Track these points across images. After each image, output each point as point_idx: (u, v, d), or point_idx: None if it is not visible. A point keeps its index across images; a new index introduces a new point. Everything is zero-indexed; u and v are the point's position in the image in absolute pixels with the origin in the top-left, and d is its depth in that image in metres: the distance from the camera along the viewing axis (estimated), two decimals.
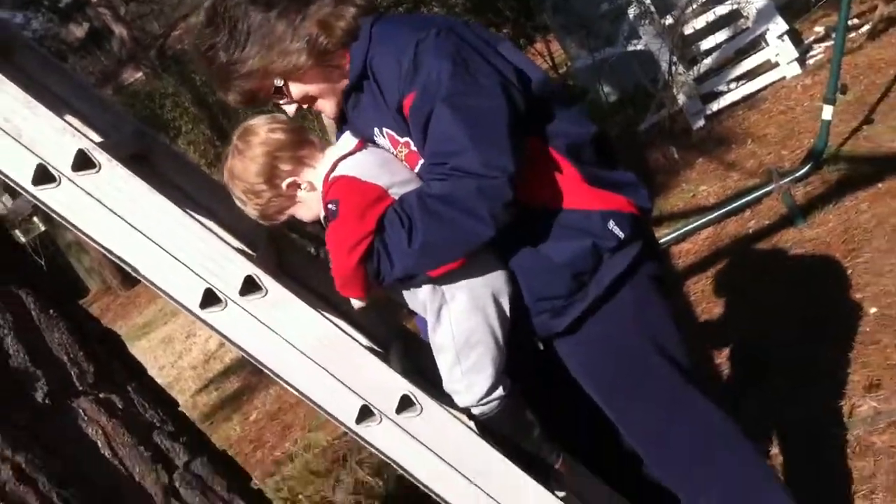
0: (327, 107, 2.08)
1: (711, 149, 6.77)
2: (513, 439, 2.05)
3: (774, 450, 3.09)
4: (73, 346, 2.15)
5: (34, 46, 2.26)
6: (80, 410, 2.11)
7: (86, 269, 18.24)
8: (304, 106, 2.09)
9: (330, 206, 1.94)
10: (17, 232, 16.16)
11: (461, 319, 1.97)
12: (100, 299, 17.10)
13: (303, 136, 2.05)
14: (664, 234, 5.47)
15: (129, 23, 14.66)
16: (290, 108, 2.08)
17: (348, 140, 2.04)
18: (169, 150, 2.36)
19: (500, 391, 2.02)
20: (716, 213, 5.42)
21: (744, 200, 5.37)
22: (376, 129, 2.02)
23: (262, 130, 2.03)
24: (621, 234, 1.98)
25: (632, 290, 2.03)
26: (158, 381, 2.49)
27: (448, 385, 2.04)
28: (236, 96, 2.03)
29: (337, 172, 1.98)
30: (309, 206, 2.06)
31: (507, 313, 2.00)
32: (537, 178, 1.94)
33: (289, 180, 2.02)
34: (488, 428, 2.03)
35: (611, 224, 1.97)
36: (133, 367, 2.38)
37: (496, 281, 1.98)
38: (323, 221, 2.05)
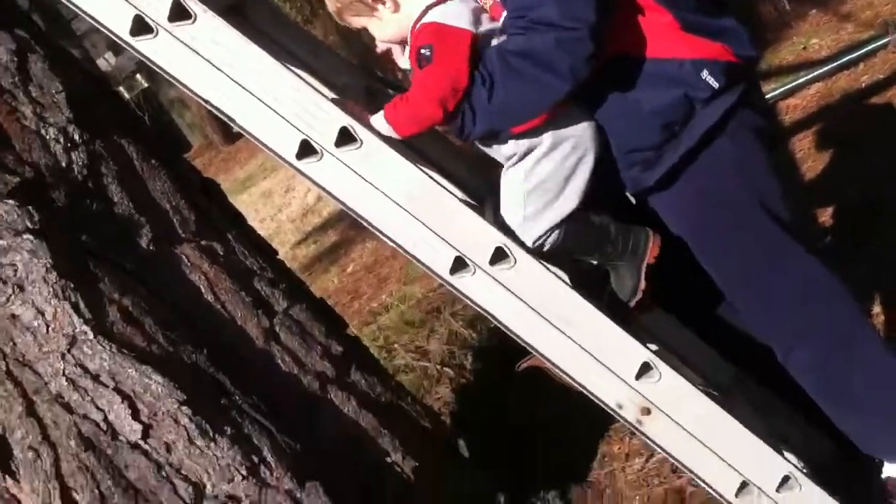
0: None
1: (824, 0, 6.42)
2: (591, 250, 2.05)
3: (877, 309, 3.02)
4: (175, 195, 2.21)
5: None
6: (184, 257, 2.18)
7: (188, 125, 18.61)
8: None
9: (423, 50, 1.91)
10: (122, 88, 16.51)
11: (538, 164, 1.95)
12: (202, 154, 17.48)
13: None
14: (771, 89, 5.27)
15: None
16: None
17: None
18: (265, 2, 2.34)
19: (555, 234, 1.99)
20: (827, 67, 5.19)
21: (857, 53, 5.11)
22: None
23: None
24: (715, 84, 1.92)
25: (730, 141, 1.98)
26: (263, 231, 2.56)
27: (506, 217, 2.01)
28: None
29: (427, 19, 1.94)
30: (384, 26, 2.03)
31: (587, 173, 1.97)
32: (628, 24, 1.89)
33: None
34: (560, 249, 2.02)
35: (704, 73, 1.91)
36: (233, 216, 2.45)
37: (581, 136, 1.95)
38: (398, 54, 2.06)
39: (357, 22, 2.06)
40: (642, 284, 2.05)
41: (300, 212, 9.42)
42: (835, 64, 5.17)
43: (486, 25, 1.93)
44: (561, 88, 1.82)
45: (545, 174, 1.96)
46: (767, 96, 5.18)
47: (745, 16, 6.65)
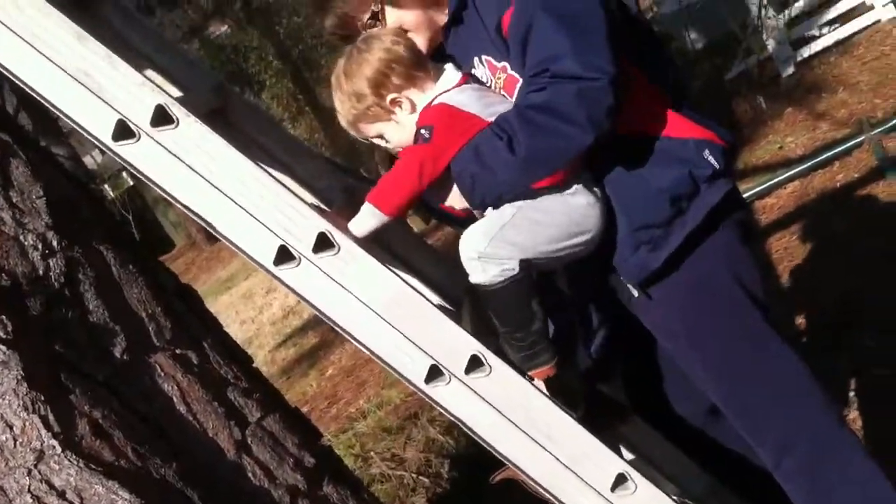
0: (419, 41, 2.08)
1: (800, 98, 6.59)
2: (505, 321, 1.99)
3: (854, 412, 3.01)
4: (152, 302, 2.20)
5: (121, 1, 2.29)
6: (157, 366, 2.16)
7: (172, 224, 18.67)
8: None
9: (422, 131, 1.95)
10: (107, 186, 16.59)
11: (528, 217, 1.95)
12: (185, 254, 17.51)
13: (422, 59, 2.06)
14: (749, 188, 5.36)
15: None
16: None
17: (452, 73, 2.05)
18: (248, 105, 2.38)
19: (509, 273, 1.95)
20: (802, 166, 5.30)
21: (832, 152, 5.24)
22: (475, 59, 2.06)
23: (387, 39, 2.04)
24: (716, 164, 1.99)
25: (724, 231, 2.04)
26: (239, 335, 2.55)
27: (464, 247, 1.97)
28: (333, 20, 2.08)
29: (437, 101, 2.00)
30: (401, 129, 2.06)
31: (570, 251, 1.99)
32: (633, 104, 1.92)
33: (394, 95, 2.02)
34: (484, 300, 1.99)
35: (706, 153, 1.98)
36: (209, 323, 2.43)
37: (587, 212, 1.98)
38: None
39: (372, 130, 2.08)
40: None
41: (281, 313, 9.39)
42: (810, 163, 5.29)
43: (496, 107, 1.96)
44: (584, 139, 1.84)
45: (530, 226, 1.95)
46: (745, 195, 5.26)
47: (722, 114, 6.84)
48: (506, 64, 1.98)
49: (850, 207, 4.69)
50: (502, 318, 1.99)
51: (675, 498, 2.05)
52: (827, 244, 4.39)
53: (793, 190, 5.23)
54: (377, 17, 2.06)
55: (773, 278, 4.29)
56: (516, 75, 1.95)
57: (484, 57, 2.03)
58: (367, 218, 1.94)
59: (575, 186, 1.96)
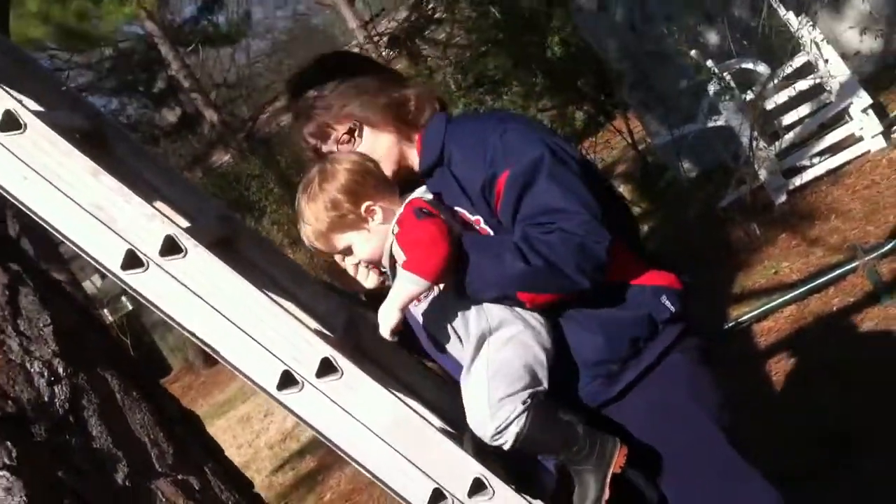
0: (385, 165, 2.21)
1: (794, 225, 6.69)
2: (557, 449, 2.03)
3: None
4: (154, 428, 2.21)
5: (126, 134, 2.39)
6: (159, 492, 2.15)
7: (170, 348, 18.64)
8: None
9: (423, 209, 2.06)
10: (106, 311, 16.62)
11: (502, 348, 2.02)
12: (182, 378, 17.41)
13: (388, 179, 2.18)
14: (745, 312, 5.41)
15: (219, 108, 15.23)
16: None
17: (420, 191, 2.17)
18: (252, 234, 2.45)
19: (520, 423, 1.99)
20: (798, 291, 5.36)
21: (827, 277, 5.30)
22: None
23: (356, 156, 2.17)
24: (672, 308, 2.10)
25: (682, 356, 2.12)
26: (236, 459, 2.55)
27: (473, 418, 2.03)
28: (311, 128, 2.23)
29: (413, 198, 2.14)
30: (371, 240, 2.13)
31: (546, 362, 2.04)
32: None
33: (368, 203, 2.10)
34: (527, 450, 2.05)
35: (663, 298, 2.10)
36: (211, 448, 2.44)
37: (548, 334, 2.06)
38: (383, 263, 2.14)
39: (342, 241, 2.14)
40: (606, 495, 2.02)
41: (278, 437, 9.29)
42: (806, 288, 5.35)
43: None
44: (578, 284, 1.98)
45: (508, 356, 2.01)
46: (742, 319, 5.31)
47: (717, 240, 6.94)
48: (479, 217, 2.11)
49: (846, 331, 4.74)
50: (554, 448, 2.03)
51: None
52: (823, 368, 4.41)
53: (790, 314, 5.29)
54: (353, 134, 2.21)
55: (772, 400, 4.31)
56: (488, 229, 2.10)
57: (457, 209, 2.13)
58: (408, 286, 2.00)
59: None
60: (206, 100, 13.74)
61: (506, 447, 2.01)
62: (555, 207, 1.97)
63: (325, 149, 2.23)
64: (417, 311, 2.17)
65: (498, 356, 2.01)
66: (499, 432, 1.99)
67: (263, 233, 11.98)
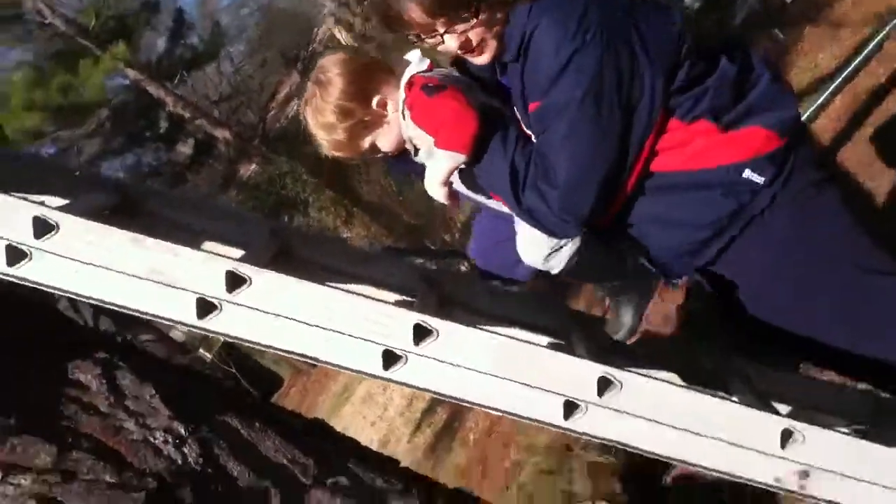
0: (490, 49, 2.01)
1: (814, 16, 6.50)
2: (607, 277, 2.13)
3: None
4: (288, 447, 2.27)
5: (150, 188, 2.41)
6: (317, 502, 2.22)
7: (274, 361, 18.98)
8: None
9: (432, 85, 2.00)
10: (202, 351, 16.97)
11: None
12: (296, 383, 17.73)
13: (382, 63, 2.13)
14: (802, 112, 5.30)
15: (226, 123, 15.26)
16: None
17: (421, 60, 2.09)
18: (305, 236, 2.46)
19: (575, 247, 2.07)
20: (842, 76, 5.22)
21: (865, 53, 5.17)
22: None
23: (343, 55, 2.11)
24: (760, 180, 1.98)
25: (789, 209, 2.01)
26: (374, 436, 2.62)
27: (526, 241, 2.10)
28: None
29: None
30: (393, 130, 2.12)
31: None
32: (668, 143, 1.97)
33: (377, 97, 2.09)
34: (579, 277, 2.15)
35: (746, 173, 1.98)
36: (346, 444, 2.50)
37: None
38: (408, 147, 2.12)
39: (366, 142, 2.14)
40: (642, 327, 2.09)
41: (404, 403, 9.47)
42: (848, 70, 5.20)
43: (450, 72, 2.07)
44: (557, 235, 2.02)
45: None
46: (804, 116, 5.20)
47: None
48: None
49: None
50: (604, 277, 2.10)
51: (845, 430, 2.04)
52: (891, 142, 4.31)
53: (842, 102, 5.16)
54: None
55: (857, 193, 4.22)
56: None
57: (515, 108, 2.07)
58: (445, 163, 2.00)
59: None
60: (212, 120, 13.78)
61: (554, 271, 2.07)
62: (550, 166, 1.92)
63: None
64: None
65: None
66: (552, 253, 2.05)
67: (314, 222, 12.06)
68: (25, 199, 1.92)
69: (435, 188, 2.05)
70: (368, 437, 9.27)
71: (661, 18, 1.95)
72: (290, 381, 18.44)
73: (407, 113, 2.05)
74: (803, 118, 5.14)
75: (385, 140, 2.14)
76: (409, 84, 2.06)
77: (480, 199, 2.20)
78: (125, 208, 2.24)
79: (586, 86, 1.87)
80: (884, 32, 4.99)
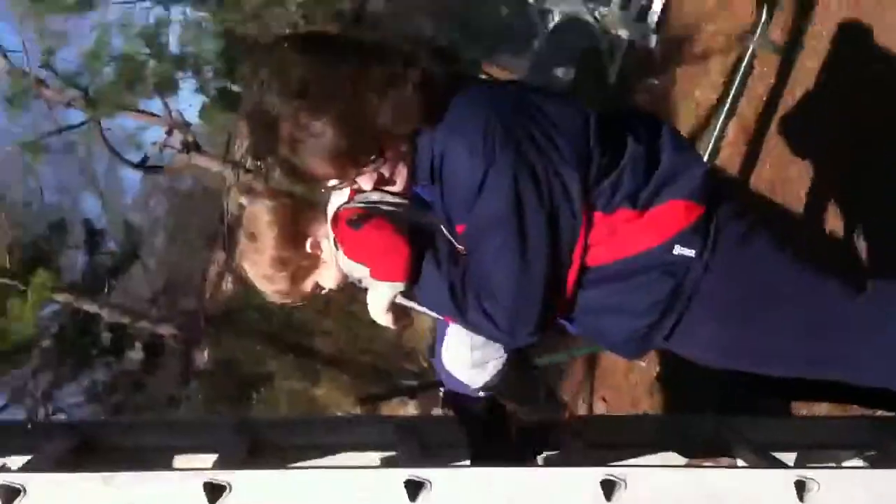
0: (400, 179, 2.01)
1: (679, 56, 6.68)
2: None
3: None
4: None
5: (114, 421, 2.42)
6: None
7: None
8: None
9: (356, 217, 1.98)
10: None
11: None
12: None
13: (306, 202, 2.12)
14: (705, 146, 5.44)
15: (167, 318, 15.13)
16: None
17: (340, 194, 2.06)
18: (271, 423, 2.44)
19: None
20: (726, 107, 5.42)
21: (738, 79, 5.36)
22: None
23: (267, 206, 2.09)
24: (690, 253, 1.95)
25: (724, 271, 1.98)
26: None
27: (453, 366, 2.14)
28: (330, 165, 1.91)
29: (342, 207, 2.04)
30: (332, 267, 2.10)
31: None
32: (601, 241, 1.96)
33: (310, 240, 2.07)
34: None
35: (676, 249, 1.95)
36: None
37: None
38: (352, 279, 2.11)
39: (308, 285, 2.12)
40: None
41: None
42: (729, 101, 5.41)
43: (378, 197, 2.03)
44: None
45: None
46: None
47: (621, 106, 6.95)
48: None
49: (794, 102, 4.76)
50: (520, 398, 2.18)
51: (858, 462, 2.03)
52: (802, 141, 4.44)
53: (735, 133, 5.33)
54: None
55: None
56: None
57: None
58: (386, 291, 1.99)
59: None
60: (151, 320, 13.70)
61: (475, 385, 2.13)
62: (489, 285, 1.91)
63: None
64: None
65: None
66: (473, 380, 2.13)
67: (283, 392, 11.92)
68: None
69: (380, 316, 2.04)
70: None
71: (565, 113, 1.95)
72: None
73: (339, 249, 2.05)
74: (706, 157, 5.32)
75: (327, 278, 2.13)
76: (335, 220, 2.05)
77: (427, 310, 2.18)
78: (86, 447, 2.18)
79: (505, 202, 1.86)
80: (749, 53, 5.21)
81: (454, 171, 1.90)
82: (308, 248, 2.08)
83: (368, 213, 1.99)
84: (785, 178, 4.50)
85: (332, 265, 2.10)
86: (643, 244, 1.96)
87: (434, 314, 2.15)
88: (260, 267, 2.09)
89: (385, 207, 2.02)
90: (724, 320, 2.01)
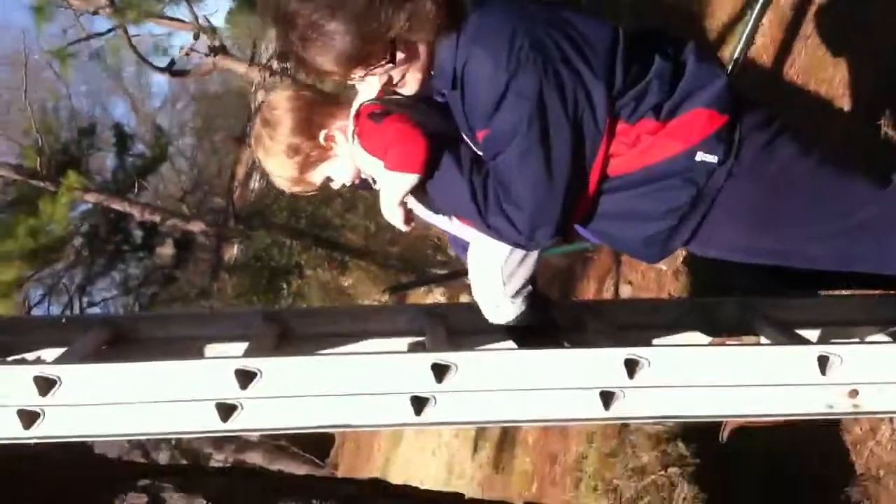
0: (413, 84, 2.02)
1: None
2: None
3: None
4: None
5: (146, 314, 2.41)
6: None
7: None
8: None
9: (377, 111, 1.99)
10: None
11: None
12: (346, 437, 17.64)
13: (328, 96, 2.15)
14: (734, 47, 5.28)
15: (197, 215, 15.26)
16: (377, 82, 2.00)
17: (366, 87, 2.05)
18: (299, 311, 2.46)
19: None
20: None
21: None
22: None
23: (289, 90, 2.12)
24: (713, 159, 1.97)
25: (748, 179, 2.00)
26: (436, 465, 2.59)
27: (487, 294, 2.15)
28: (345, 59, 1.90)
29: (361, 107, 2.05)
30: (345, 161, 2.13)
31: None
32: (616, 149, 1.98)
33: (324, 132, 2.10)
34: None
35: (699, 156, 1.97)
36: (407, 493, 2.48)
37: None
38: (366, 177, 2.13)
39: (318, 175, 2.15)
40: None
41: (452, 430, 9.42)
42: None
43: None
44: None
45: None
46: (736, 55, 5.20)
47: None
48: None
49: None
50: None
51: (884, 337, 2.03)
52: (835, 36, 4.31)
53: (769, 20, 5.16)
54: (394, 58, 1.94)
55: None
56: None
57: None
58: (398, 184, 1.99)
59: None
60: (182, 217, 13.80)
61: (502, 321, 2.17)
62: (511, 190, 1.93)
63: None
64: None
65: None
66: (504, 314, 2.16)
67: (313, 282, 12.04)
68: (23, 360, 1.92)
69: (390, 211, 2.05)
70: (433, 478, 9.23)
71: (592, 27, 1.95)
72: (340, 437, 18.36)
73: (357, 143, 2.06)
74: (739, 46, 5.18)
75: (339, 173, 2.15)
76: (357, 114, 2.06)
77: (440, 223, 2.19)
78: (119, 340, 2.23)
79: (529, 109, 1.87)
80: None
81: (477, 80, 1.91)
82: (321, 140, 2.09)
83: (390, 110, 1.99)
84: (819, 67, 4.39)
85: (345, 159, 2.11)
86: (666, 152, 1.98)
87: (443, 226, 2.16)
88: (273, 153, 2.11)
89: (410, 108, 2.01)
90: (749, 225, 2.04)
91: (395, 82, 1.99)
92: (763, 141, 2.01)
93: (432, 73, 1.99)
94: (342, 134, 2.10)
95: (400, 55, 1.93)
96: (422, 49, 1.95)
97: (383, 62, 1.92)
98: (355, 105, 2.08)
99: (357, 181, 2.19)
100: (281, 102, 2.11)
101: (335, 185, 2.19)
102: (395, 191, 2.01)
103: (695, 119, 1.97)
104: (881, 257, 2.03)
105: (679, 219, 2.01)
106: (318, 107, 2.11)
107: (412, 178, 1.98)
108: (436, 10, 1.89)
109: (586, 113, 1.91)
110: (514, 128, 1.89)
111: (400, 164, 1.97)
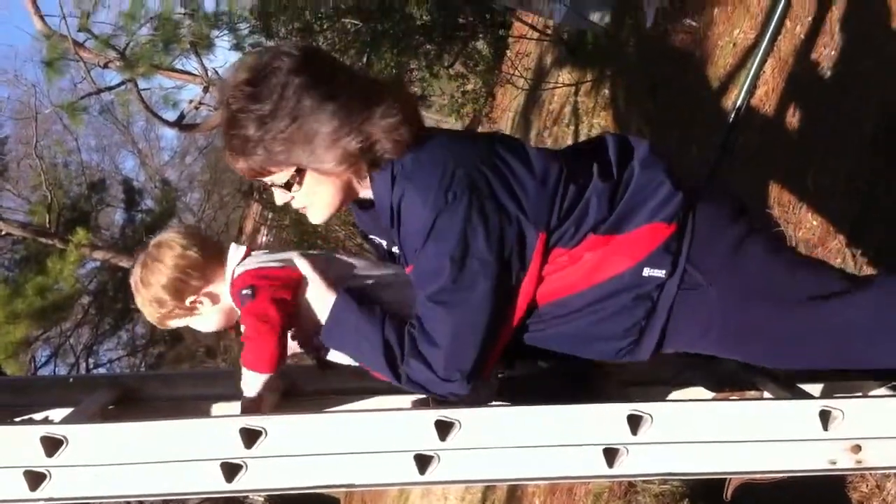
0: (320, 213, 2.08)
1: None
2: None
3: None
4: None
5: (144, 375, 2.42)
6: None
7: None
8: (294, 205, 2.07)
9: (245, 292, 2.05)
10: (252, 495, 16.71)
11: None
12: (352, 498, 17.49)
13: (214, 253, 2.16)
14: (736, 96, 5.35)
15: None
16: (282, 198, 2.06)
17: (234, 251, 2.15)
18: (303, 369, 2.44)
19: None
20: (763, 45, 5.29)
21: (777, 16, 5.22)
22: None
23: (178, 247, 2.13)
24: (661, 274, 1.97)
25: (717, 282, 2.00)
26: None
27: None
28: (246, 168, 2.00)
29: (239, 271, 2.10)
30: (206, 319, 2.18)
31: None
32: (557, 273, 1.98)
33: (192, 297, 2.13)
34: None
35: (646, 271, 1.96)
36: None
37: None
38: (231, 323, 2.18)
39: (179, 324, 2.20)
40: None
41: (461, 487, 9.33)
42: (766, 39, 5.27)
43: (281, 256, 2.11)
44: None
45: None
46: (738, 104, 5.27)
47: (670, 54, 6.85)
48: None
49: (835, 47, 4.68)
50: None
51: (884, 391, 2.05)
52: (835, 89, 4.35)
53: (771, 68, 5.23)
54: (294, 181, 2.00)
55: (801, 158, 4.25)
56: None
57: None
58: (254, 381, 2.05)
59: None
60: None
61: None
62: (432, 329, 1.94)
63: (262, 180, 2.05)
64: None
65: None
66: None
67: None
68: (30, 420, 1.93)
69: (248, 400, 2.08)
70: None
71: (526, 163, 1.96)
72: (346, 496, 18.16)
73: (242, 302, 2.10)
74: (744, 94, 5.24)
75: (201, 326, 2.20)
76: (232, 285, 2.12)
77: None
78: (126, 399, 2.24)
79: (451, 249, 1.88)
80: None
81: (409, 217, 1.93)
82: (186, 303, 2.14)
83: (255, 287, 2.04)
84: (819, 116, 4.45)
85: (212, 316, 2.17)
86: (614, 269, 1.97)
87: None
88: (140, 293, 2.16)
89: (276, 265, 2.10)
90: (720, 328, 2.02)
91: (296, 208, 2.06)
92: (731, 239, 2.01)
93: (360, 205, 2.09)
94: (209, 299, 2.15)
95: (297, 186, 2.00)
96: (332, 183, 2.01)
97: (280, 185, 2.01)
98: (228, 271, 2.13)
99: (219, 330, 2.24)
100: (166, 256, 2.12)
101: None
102: (248, 387, 2.07)
103: (640, 235, 1.96)
104: (868, 355, 2.06)
105: (639, 333, 2.01)
106: (198, 269, 2.12)
107: (262, 378, 2.05)
108: (352, 153, 1.94)
109: (514, 251, 1.92)
110: (434, 269, 1.91)
111: (250, 362, 2.04)
